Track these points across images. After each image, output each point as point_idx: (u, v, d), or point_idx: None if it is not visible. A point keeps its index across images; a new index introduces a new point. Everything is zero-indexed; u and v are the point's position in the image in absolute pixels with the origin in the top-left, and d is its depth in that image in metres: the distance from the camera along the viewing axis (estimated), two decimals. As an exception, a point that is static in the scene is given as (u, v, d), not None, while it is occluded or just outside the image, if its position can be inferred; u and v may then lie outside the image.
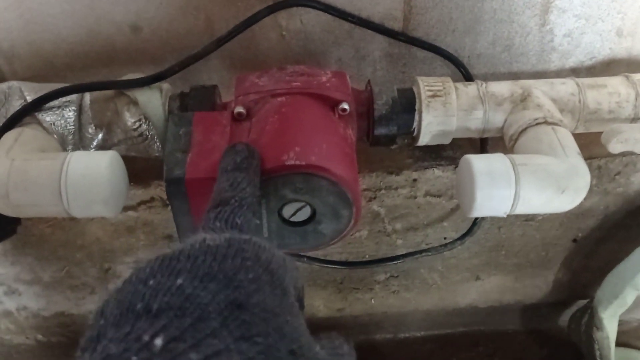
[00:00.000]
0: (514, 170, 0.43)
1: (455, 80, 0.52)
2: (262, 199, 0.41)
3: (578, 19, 0.55)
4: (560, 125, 0.47)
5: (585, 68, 0.59)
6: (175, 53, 0.55)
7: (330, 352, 0.30)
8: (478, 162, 0.44)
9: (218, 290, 0.24)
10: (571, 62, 0.58)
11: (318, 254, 0.63)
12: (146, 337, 0.21)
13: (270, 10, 0.51)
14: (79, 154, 0.42)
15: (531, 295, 0.77)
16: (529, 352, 0.83)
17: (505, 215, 0.45)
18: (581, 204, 0.63)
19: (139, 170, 0.51)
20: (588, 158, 0.58)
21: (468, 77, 0.56)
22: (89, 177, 0.41)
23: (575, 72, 0.59)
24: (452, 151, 0.59)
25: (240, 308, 0.24)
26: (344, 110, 0.45)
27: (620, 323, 0.72)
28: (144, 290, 0.23)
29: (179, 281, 0.24)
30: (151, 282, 0.24)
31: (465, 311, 0.79)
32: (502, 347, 0.83)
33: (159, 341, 0.21)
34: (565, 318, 0.81)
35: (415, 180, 0.59)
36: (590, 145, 0.57)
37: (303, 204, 0.42)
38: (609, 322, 0.68)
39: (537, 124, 0.48)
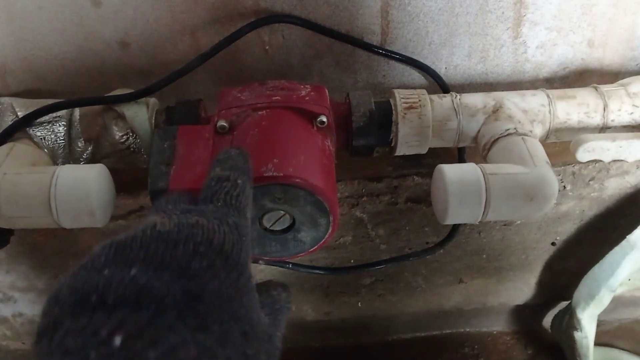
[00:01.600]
0: (485, 179, 0.45)
1: (432, 91, 0.54)
2: (243, 209, 0.43)
3: (550, 31, 0.57)
4: (530, 136, 0.49)
5: (559, 78, 0.61)
6: (162, 67, 0.57)
7: (271, 310, 0.31)
8: (450, 172, 0.45)
9: (172, 280, 0.24)
10: (545, 73, 0.60)
11: (303, 260, 0.65)
12: (104, 333, 0.22)
13: (253, 26, 0.53)
14: (68, 168, 0.44)
15: (514, 297, 0.79)
16: (514, 353, 0.85)
17: (477, 222, 0.47)
18: (558, 208, 0.66)
19: (128, 181, 0.53)
20: (562, 164, 0.61)
21: (444, 88, 0.58)
22: (77, 190, 0.42)
23: (549, 82, 0.61)
24: (432, 159, 0.61)
25: (197, 299, 0.25)
26: (322, 122, 0.47)
27: (602, 323, 0.74)
28: (97, 280, 0.24)
29: (133, 271, 0.24)
30: (105, 271, 0.24)
31: (450, 313, 0.81)
32: (487, 348, 0.85)
33: (117, 339, 0.22)
34: (548, 319, 0.83)
35: (396, 187, 0.61)
36: (565, 152, 0.59)
37: (282, 213, 0.43)
38: (587, 323, 0.70)
39: (508, 134, 0.50)
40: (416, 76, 0.60)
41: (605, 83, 0.60)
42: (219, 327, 0.25)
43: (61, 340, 0.22)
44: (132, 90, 0.51)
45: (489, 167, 0.46)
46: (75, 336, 0.22)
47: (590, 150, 0.49)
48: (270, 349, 0.29)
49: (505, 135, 0.50)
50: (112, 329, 0.22)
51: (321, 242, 0.46)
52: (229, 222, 0.29)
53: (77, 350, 0.21)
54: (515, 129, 0.50)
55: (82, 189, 0.42)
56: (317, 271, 0.65)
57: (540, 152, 0.48)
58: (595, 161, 0.61)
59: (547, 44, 0.58)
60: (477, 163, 0.47)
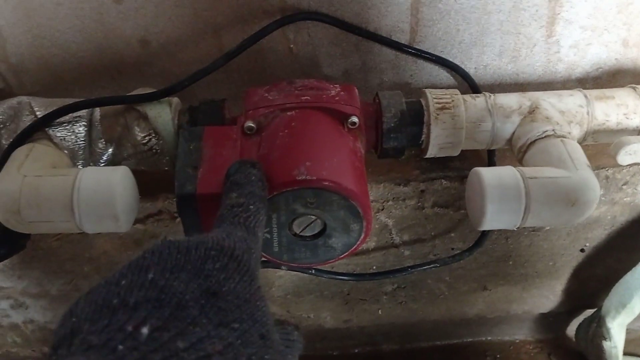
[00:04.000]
0: (524, 184, 0.43)
1: (461, 91, 0.52)
2: (272, 214, 0.41)
3: (584, 30, 0.55)
4: (569, 138, 0.47)
5: (592, 78, 0.59)
6: (183, 67, 0.55)
7: (283, 337, 0.31)
8: (488, 175, 0.44)
9: (189, 279, 0.25)
10: (577, 73, 0.59)
11: (325, 266, 0.63)
12: (129, 327, 0.22)
13: (279, 24, 0.51)
14: (91, 170, 0.42)
15: (539, 305, 0.77)
16: (537, 362, 0.83)
17: (515, 228, 0.45)
18: (589, 213, 0.64)
19: (147, 183, 0.51)
20: (596, 168, 0.59)
21: (474, 88, 0.56)
22: (100, 193, 0.41)
23: (582, 82, 0.59)
24: (460, 162, 0.59)
25: (215, 296, 0.25)
26: (353, 123, 0.45)
27: (628, 331, 0.72)
28: (117, 289, 0.24)
29: (150, 275, 0.24)
30: (123, 282, 0.24)
31: (472, 321, 0.79)
32: (509, 357, 0.83)
33: (144, 330, 0.22)
34: (573, 327, 0.81)
35: (422, 191, 0.59)
36: (598, 155, 0.58)
37: (314, 218, 0.42)
38: (617, 332, 0.68)
39: (546, 136, 0.48)
40: (444, 76, 0.58)
41: (639, 84, 0.58)
42: (239, 325, 0.25)
43: (82, 341, 0.22)
44: (154, 90, 0.49)
45: (528, 171, 0.44)
46: (98, 334, 0.22)
47: (632, 153, 0.47)
48: None
49: (542, 137, 0.48)
50: (137, 323, 0.22)
51: (352, 248, 0.44)
52: (237, 234, 0.30)
53: (103, 345, 0.21)
54: (553, 130, 0.48)
55: (106, 193, 0.40)
56: (340, 277, 0.63)
57: (580, 154, 0.46)
58: (630, 165, 0.59)
59: (581, 43, 0.56)
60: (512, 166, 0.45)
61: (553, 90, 0.58)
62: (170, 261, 0.26)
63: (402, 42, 0.55)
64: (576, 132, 0.50)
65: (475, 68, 0.57)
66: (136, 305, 0.23)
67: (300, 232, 0.43)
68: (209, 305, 0.24)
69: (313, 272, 0.61)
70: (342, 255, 0.45)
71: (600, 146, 0.55)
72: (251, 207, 0.34)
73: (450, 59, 0.56)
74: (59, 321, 0.24)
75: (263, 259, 0.45)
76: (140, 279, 0.24)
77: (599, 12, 0.54)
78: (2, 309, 0.72)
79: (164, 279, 0.24)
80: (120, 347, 0.21)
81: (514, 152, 0.50)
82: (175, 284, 0.24)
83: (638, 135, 0.51)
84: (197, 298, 0.24)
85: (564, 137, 0.48)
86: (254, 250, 0.30)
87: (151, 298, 0.23)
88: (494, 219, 0.44)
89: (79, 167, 0.48)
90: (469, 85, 0.56)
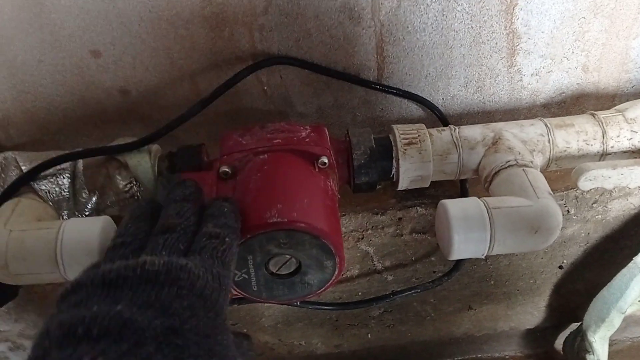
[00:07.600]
0: (488, 214, 0.45)
1: (431, 121, 0.54)
2: (248, 255, 0.43)
3: (544, 58, 0.58)
4: (531, 167, 0.49)
5: (556, 103, 0.61)
6: (162, 112, 0.58)
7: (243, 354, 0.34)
8: (453, 208, 0.45)
9: (154, 317, 0.27)
10: (541, 99, 0.61)
11: (311, 296, 0.65)
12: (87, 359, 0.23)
13: (250, 70, 0.53)
14: (73, 222, 0.44)
15: (524, 322, 0.78)
16: (527, 377, 0.84)
17: (483, 257, 0.47)
18: (563, 232, 0.66)
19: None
20: (565, 189, 0.61)
21: (442, 119, 0.58)
22: (82, 244, 0.43)
23: (547, 107, 0.61)
24: (434, 189, 0.61)
25: (175, 333, 0.27)
26: (323, 163, 0.48)
27: (613, 343, 0.74)
28: (85, 314, 0.25)
29: (119, 307, 0.26)
30: (95, 308, 0.26)
31: (461, 340, 0.81)
32: (499, 373, 0.84)
33: None
34: (560, 341, 0.83)
35: (400, 219, 0.61)
36: (567, 177, 0.60)
37: (288, 257, 0.44)
38: (599, 345, 0.70)
39: (509, 166, 0.50)
40: (414, 108, 0.60)
41: (602, 106, 0.60)
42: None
43: None
44: (135, 139, 0.51)
45: (491, 201, 0.46)
46: None
47: (592, 178, 0.49)
48: None
49: (505, 167, 0.50)
50: (94, 356, 0.24)
51: (328, 284, 0.46)
52: (212, 272, 0.32)
53: None
54: (515, 160, 0.50)
55: (88, 243, 0.42)
56: (324, 308, 0.65)
57: (542, 183, 0.48)
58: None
59: (542, 71, 0.59)
60: (479, 193, 0.47)
61: (519, 116, 0.61)
62: (142, 297, 0.27)
63: (370, 79, 0.57)
64: (539, 160, 0.52)
65: (443, 99, 0.60)
66: (98, 336, 0.25)
67: (276, 270, 0.45)
68: (167, 342, 0.26)
69: (297, 304, 0.63)
70: (320, 291, 0.47)
71: (570, 168, 0.57)
72: (227, 239, 0.36)
73: (418, 93, 0.58)
74: (36, 336, 0.26)
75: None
76: (109, 308, 0.26)
77: (557, 41, 0.57)
78: (1, 351, 0.73)
79: (130, 312, 0.26)
80: None
81: (481, 181, 0.52)
82: (140, 319, 0.26)
83: (599, 159, 0.54)
84: (156, 335, 0.26)
85: (526, 166, 0.50)
86: (225, 288, 0.32)
87: (113, 330, 0.25)
88: (461, 248, 0.46)
89: (64, 216, 0.50)
90: (437, 116, 0.58)
